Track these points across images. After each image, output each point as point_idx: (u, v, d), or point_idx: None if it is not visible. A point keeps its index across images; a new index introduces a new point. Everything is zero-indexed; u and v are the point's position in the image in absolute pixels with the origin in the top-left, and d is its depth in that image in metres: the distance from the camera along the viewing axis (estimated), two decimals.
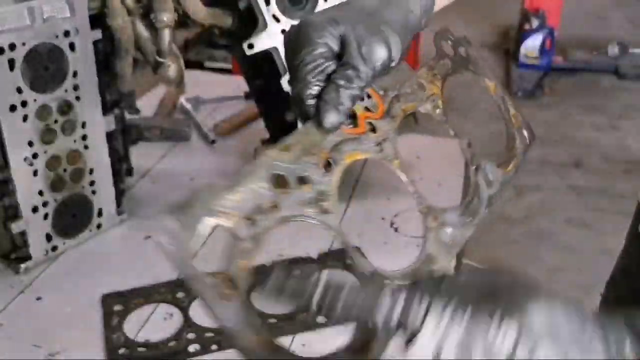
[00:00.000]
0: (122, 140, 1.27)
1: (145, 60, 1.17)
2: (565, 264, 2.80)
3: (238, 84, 1.83)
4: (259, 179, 0.58)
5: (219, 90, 1.85)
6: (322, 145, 0.63)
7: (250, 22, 1.21)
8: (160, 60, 1.15)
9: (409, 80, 0.73)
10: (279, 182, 0.60)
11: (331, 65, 0.62)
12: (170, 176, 1.44)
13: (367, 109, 0.68)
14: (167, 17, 1.10)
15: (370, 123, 0.68)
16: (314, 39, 0.62)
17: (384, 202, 1.32)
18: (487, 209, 0.71)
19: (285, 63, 1.21)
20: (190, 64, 1.23)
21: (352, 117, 0.67)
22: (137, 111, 1.28)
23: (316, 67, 0.62)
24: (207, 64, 4.15)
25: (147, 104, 1.69)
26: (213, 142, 1.58)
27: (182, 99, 1.74)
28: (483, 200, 0.71)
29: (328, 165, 0.63)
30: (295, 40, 0.63)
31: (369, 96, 0.69)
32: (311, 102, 0.62)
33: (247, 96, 1.74)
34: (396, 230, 1.24)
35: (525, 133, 0.80)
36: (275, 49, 1.21)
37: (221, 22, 1.24)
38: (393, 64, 0.65)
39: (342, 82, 0.61)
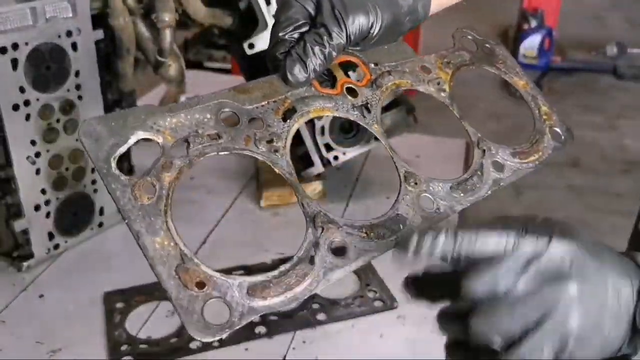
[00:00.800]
0: None
1: (146, 60, 1.18)
2: None
3: (237, 84, 1.84)
4: (206, 110, 0.57)
5: (218, 90, 1.86)
6: (286, 95, 0.62)
7: (251, 22, 1.22)
8: (161, 59, 1.16)
9: (410, 61, 0.73)
10: (228, 122, 0.58)
11: (304, 25, 0.64)
12: None
13: (347, 75, 0.68)
14: (168, 17, 1.11)
15: (350, 88, 0.67)
16: (291, 1, 0.64)
17: (384, 200, 1.33)
18: (490, 191, 0.69)
19: None
20: (189, 64, 1.24)
21: (332, 79, 0.66)
22: None
23: (289, 26, 0.63)
24: (207, 64, 4.16)
25: (148, 104, 1.70)
26: None
27: (182, 99, 1.75)
28: (487, 181, 0.69)
29: (287, 116, 0.61)
30: (278, 7, 0.66)
31: (355, 67, 0.69)
32: (281, 57, 0.63)
33: None
34: None
35: (559, 131, 0.79)
36: None
37: (221, 22, 1.25)
38: (374, 33, 0.66)
39: (311, 39, 0.62)
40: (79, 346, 0.96)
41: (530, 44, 4.38)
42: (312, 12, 0.65)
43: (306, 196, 0.57)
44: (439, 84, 0.74)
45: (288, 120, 0.61)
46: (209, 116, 0.57)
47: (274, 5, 1.20)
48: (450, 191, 0.65)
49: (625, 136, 4.00)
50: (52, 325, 1.00)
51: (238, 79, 1.80)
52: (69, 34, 1.05)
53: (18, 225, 1.07)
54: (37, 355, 0.94)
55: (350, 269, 0.56)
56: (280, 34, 0.63)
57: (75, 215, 1.15)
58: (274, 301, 0.54)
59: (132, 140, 0.53)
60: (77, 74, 1.08)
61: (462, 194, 0.66)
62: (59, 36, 1.04)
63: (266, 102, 0.61)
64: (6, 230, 1.08)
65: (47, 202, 1.10)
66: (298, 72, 0.62)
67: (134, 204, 0.50)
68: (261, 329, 0.98)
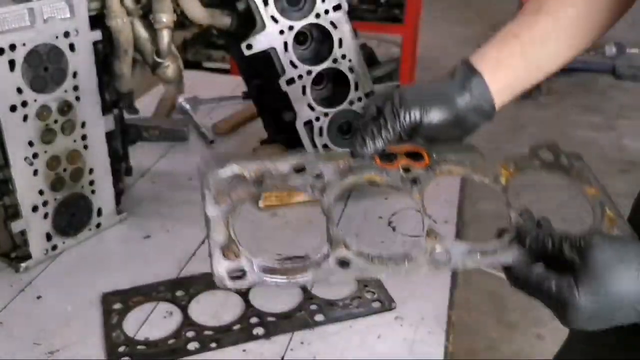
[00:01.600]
0: (121, 140, 1.28)
1: (144, 61, 1.18)
2: None
3: (236, 84, 1.84)
4: (281, 161, 0.76)
5: (217, 90, 1.87)
6: (350, 163, 0.78)
7: (249, 23, 1.22)
8: (159, 60, 1.16)
9: (470, 154, 0.81)
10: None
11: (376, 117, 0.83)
12: (169, 176, 1.45)
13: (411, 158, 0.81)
14: (166, 18, 1.11)
15: (406, 167, 0.79)
16: (369, 102, 0.88)
17: (382, 201, 1.33)
18: (512, 259, 0.73)
19: (282, 64, 1.22)
20: (188, 64, 1.24)
21: (393, 159, 0.80)
22: (136, 111, 1.29)
23: (366, 116, 0.84)
24: (206, 64, 4.16)
25: (146, 104, 1.70)
26: (211, 142, 1.59)
27: (180, 99, 1.75)
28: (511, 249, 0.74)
29: (344, 175, 0.77)
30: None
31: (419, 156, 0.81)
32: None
33: (245, 96, 1.74)
34: (394, 229, 1.25)
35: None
36: (274, 49, 1.22)
37: (219, 23, 1.25)
38: (425, 124, 0.80)
39: (372, 125, 0.80)
40: (77, 347, 0.96)
41: None
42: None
43: (334, 226, 0.74)
44: (495, 176, 0.80)
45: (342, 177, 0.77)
46: (284, 165, 0.76)
47: (272, 6, 1.19)
48: (468, 253, 0.73)
49: (624, 136, 4.01)
50: (50, 327, 1.00)
51: (236, 79, 1.80)
52: (66, 34, 1.05)
53: (16, 226, 1.07)
54: (35, 356, 0.94)
55: (348, 278, 0.72)
56: (358, 133, 0.82)
57: (73, 216, 1.15)
58: (278, 279, 0.71)
59: (228, 169, 0.74)
60: (74, 74, 1.08)
61: (479, 257, 0.73)
62: (57, 37, 1.04)
63: (328, 162, 0.78)
64: (4, 231, 1.08)
65: (44, 203, 1.10)
66: (359, 148, 0.80)
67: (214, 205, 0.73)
68: (259, 330, 0.98)
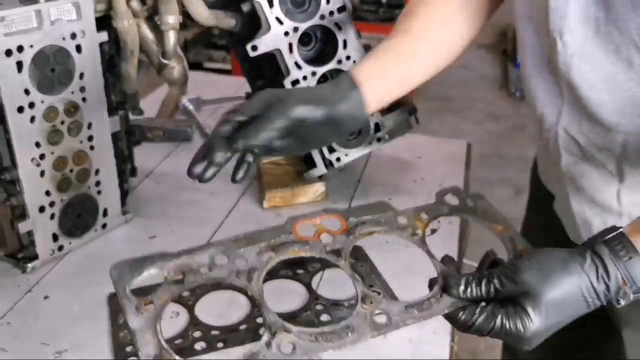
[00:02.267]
0: (126, 140, 1.29)
1: (150, 62, 1.19)
2: None
3: (239, 85, 1.85)
4: (199, 253, 0.73)
5: (219, 91, 1.87)
6: (269, 242, 0.76)
7: (254, 25, 1.23)
8: (165, 62, 1.16)
9: (387, 215, 0.82)
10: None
11: None
12: (173, 176, 1.46)
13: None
14: (172, 19, 1.12)
15: (326, 236, 0.78)
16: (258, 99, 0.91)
17: (385, 201, 1.33)
18: (447, 310, 0.73)
19: (287, 65, 1.23)
20: (189, 65, 1.25)
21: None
22: (140, 112, 1.30)
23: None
24: (206, 64, 4.17)
25: (150, 105, 1.70)
26: None
27: (184, 100, 1.76)
28: (444, 300, 0.74)
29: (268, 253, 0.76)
30: None
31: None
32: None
33: (249, 97, 1.75)
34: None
35: None
36: (278, 50, 1.23)
37: (224, 24, 1.25)
38: (306, 125, 0.88)
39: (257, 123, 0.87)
40: (85, 347, 0.96)
41: None
42: None
43: (268, 310, 0.71)
44: (413, 230, 0.82)
45: (267, 259, 0.75)
46: (207, 258, 0.73)
47: (277, 8, 1.20)
48: (405, 310, 0.73)
49: None
50: (58, 327, 1.00)
51: (239, 80, 1.81)
52: (73, 36, 1.05)
53: (23, 226, 1.08)
54: (43, 356, 0.95)
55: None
56: None
57: (79, 217, 1.16)
58: None
59: (145, 273, 0.72)
60: (81, 76, 1.08)
61: (416, 312, 0.73)
62: (64, 38, 1.04)
63: (250, 247, 0.75)
64: (11, 232, 1.09)
65: (51, 204, 1.10)
66: (243, 139, 0.85)
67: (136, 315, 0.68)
68: None
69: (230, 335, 0.98)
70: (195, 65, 3.93)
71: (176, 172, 1.47)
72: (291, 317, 1.01)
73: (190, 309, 1.03)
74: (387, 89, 0.97)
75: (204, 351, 0.96)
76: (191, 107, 1.74)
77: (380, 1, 3.51)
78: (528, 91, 0.97)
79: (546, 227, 1.10)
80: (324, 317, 1.02)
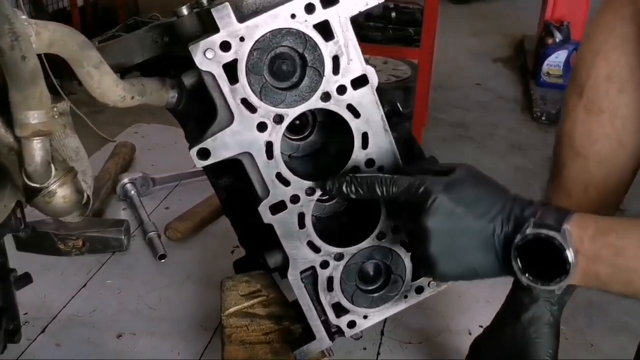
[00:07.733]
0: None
1: (13, 183, 0.65)
2: None
3: None
4: None
5: (178, 151, 1.33)
6: None
7: (206, 107, 0.69)
8: (32, 184, 0.62)
9: None
10: None
11: None
12: (89, 326, 0.92)
13: None
14: (37, 117, 0.58)
15: None
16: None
17: None
18: None
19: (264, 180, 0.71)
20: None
21: None
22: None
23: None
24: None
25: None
26: (161, 257, 1.06)
27: (124, 180, 1.22)
28: None
29: None
30: None
31: None
32: None
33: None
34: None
35: None
36: (248, 156, 0.69)
37: (157, 101, 0.72)
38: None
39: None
40: None
41: (555, 61, 3.83)
42: None
43: None
44: None
45: None
46: None
47: (243, 84, 0.67)
48: None
49: None
50: None
51: None
52: None
53: None
54: None
55: None
56: None
57: None
58: None
59: None
60: None
61: None
62: None
63: None
64: None
65: None
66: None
67: None
68: None
69: None
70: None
71: (98, 313, 0.94)
72: None
73: None
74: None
75: None
76: (133, 192, 1.20)
77: (390, 16, 2.95)
78: None
79: None
80: None
